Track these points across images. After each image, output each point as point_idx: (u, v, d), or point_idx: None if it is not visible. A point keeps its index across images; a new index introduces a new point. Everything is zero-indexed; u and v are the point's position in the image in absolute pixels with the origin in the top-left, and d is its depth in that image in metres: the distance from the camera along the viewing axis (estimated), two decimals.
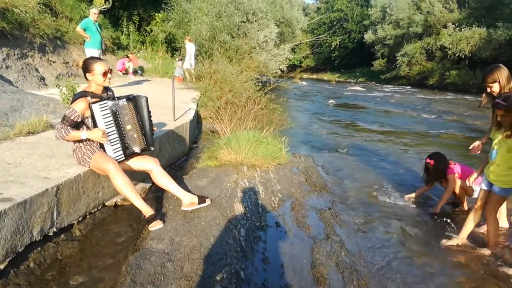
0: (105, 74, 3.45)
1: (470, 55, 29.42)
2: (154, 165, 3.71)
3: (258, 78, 13.79)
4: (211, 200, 3.82)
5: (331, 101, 17.66)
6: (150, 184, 4.34)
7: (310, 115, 13.11)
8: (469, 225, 3.52)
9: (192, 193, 3.80)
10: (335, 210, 4.17)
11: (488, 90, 3.51)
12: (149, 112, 3.77)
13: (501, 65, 3.49)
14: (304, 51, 47.76)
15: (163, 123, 5.75)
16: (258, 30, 15.86)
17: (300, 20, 21.32)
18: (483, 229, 3.79)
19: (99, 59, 3.57)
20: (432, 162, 4.42)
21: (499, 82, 3.40)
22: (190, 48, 13.34)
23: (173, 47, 19.10)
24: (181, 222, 3.40)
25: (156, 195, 4.22)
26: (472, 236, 3.73)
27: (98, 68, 3.43)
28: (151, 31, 19.43)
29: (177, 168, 5.58)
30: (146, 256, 2.82)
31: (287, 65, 19.69)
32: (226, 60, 12.94)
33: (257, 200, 4.20)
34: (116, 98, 3.59)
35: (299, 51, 45.51)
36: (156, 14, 19.16)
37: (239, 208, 3.81)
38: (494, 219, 3.33)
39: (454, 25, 30.85)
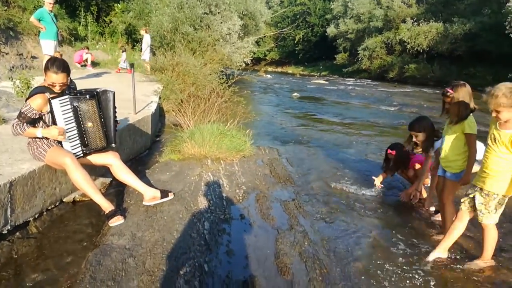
0: (51, 85, 3.29)
1: (428, 49, 30.36)
2: (114, 159, 3.61)
3: (222, 71, 13.68)
4: (174, 194, 3.77)
5: (295, 94, 17.79)
6: (111, 179, 4.23)
7: (274, 107, 13.17)
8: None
9: (155, 188, 3.74)
10: (299, 201, 4.22)
11: (414, 139, 3.95)
12: (114, 107, 3.65)
13: (427, 116, 3.93)
14: (268, 44, 47.78)
15: (123, 116, 5.60)
16: (221, 22, 15.67)
17: (264, 13, 21.23)
18: (438, 217, 3.93)
19: (61, 68, 3.25)
20: (393, 152, 4.53)
21: (425, 132, 3.83)
22: (147, 39, 13.10)
23: (133, 39, 18.65)
24: (143, 217, 3.33)
25: (117, 190, 4.11)
26: (432, 225, 3.88)
27: (50, 77, 3.25)
28: (110, 22, 18.88)
29: (138, 162, 5.46)
30: (107, 252, 2.74)
31: (252, 58, 19.63)
32: (189, 52, 12.73)
33: (222, 193, 4.17)
34: (78, 93, 3.44)
35: (264, 44, 45.48)
36: (116, 5, 18.63)
37: (203, 202, 3.78)
38: (451, 205, 3.46)
39: (412, 20, 31.72)
